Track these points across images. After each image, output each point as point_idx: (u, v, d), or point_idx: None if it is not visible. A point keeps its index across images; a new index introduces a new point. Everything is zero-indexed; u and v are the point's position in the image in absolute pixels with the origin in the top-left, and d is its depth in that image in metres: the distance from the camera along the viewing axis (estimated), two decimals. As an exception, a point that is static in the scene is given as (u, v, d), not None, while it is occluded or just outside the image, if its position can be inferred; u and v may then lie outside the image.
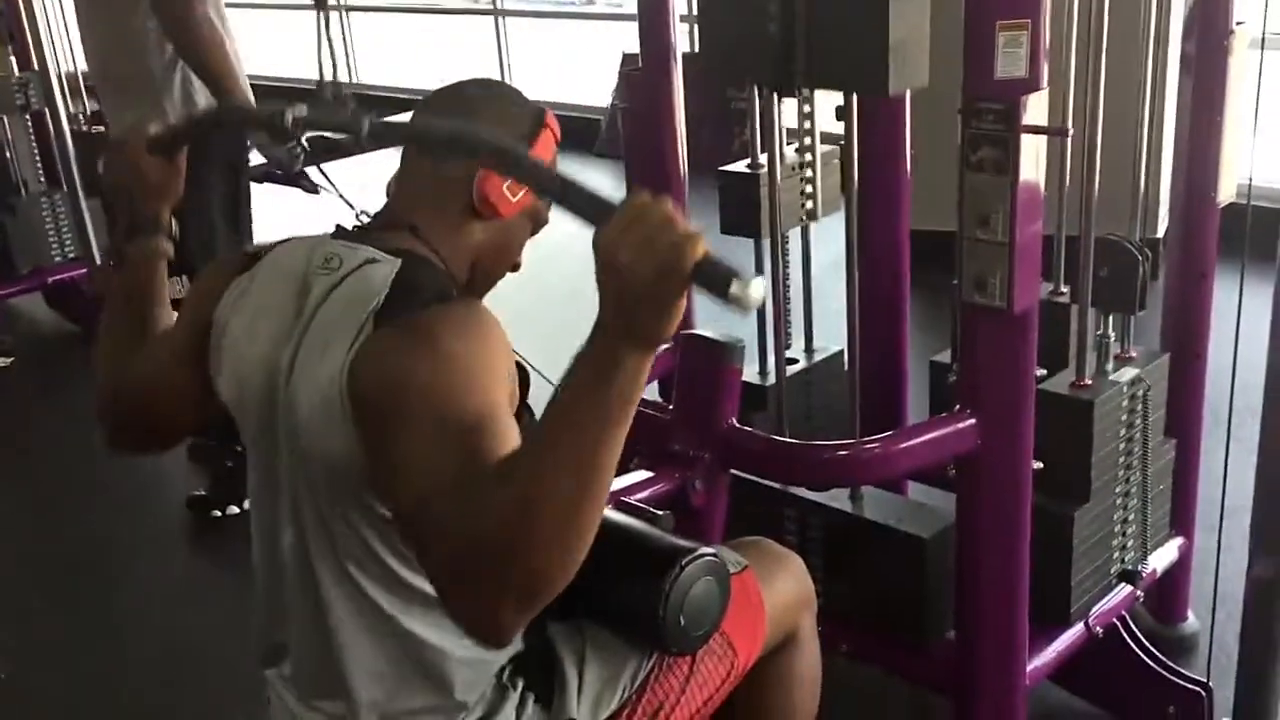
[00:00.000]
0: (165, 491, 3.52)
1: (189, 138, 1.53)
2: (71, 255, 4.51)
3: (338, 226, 1.38)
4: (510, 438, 1.14)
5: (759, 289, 1.00)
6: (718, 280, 1.00)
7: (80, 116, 4.59)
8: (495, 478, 1.07)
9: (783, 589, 1.62)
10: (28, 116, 4.45)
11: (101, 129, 4.36)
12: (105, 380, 1.51)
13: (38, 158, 4.50)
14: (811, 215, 2.33)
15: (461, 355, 1.17)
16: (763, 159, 2.20)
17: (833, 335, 2.49)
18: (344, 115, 1.29)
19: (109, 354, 1.51)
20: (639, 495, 1.73)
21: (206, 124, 1.51)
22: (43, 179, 4.53)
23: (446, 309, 1.22)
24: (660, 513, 1.63)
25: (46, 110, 4.29)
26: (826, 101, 2.04)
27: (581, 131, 6.23)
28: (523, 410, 1.27)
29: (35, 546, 3.24)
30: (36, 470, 3.64)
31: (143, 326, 1.50)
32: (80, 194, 4.32)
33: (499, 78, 1.96)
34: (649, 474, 1.79)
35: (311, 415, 1.24)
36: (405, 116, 1.40)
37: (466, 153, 1.29)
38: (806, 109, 2.18)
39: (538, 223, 1.43)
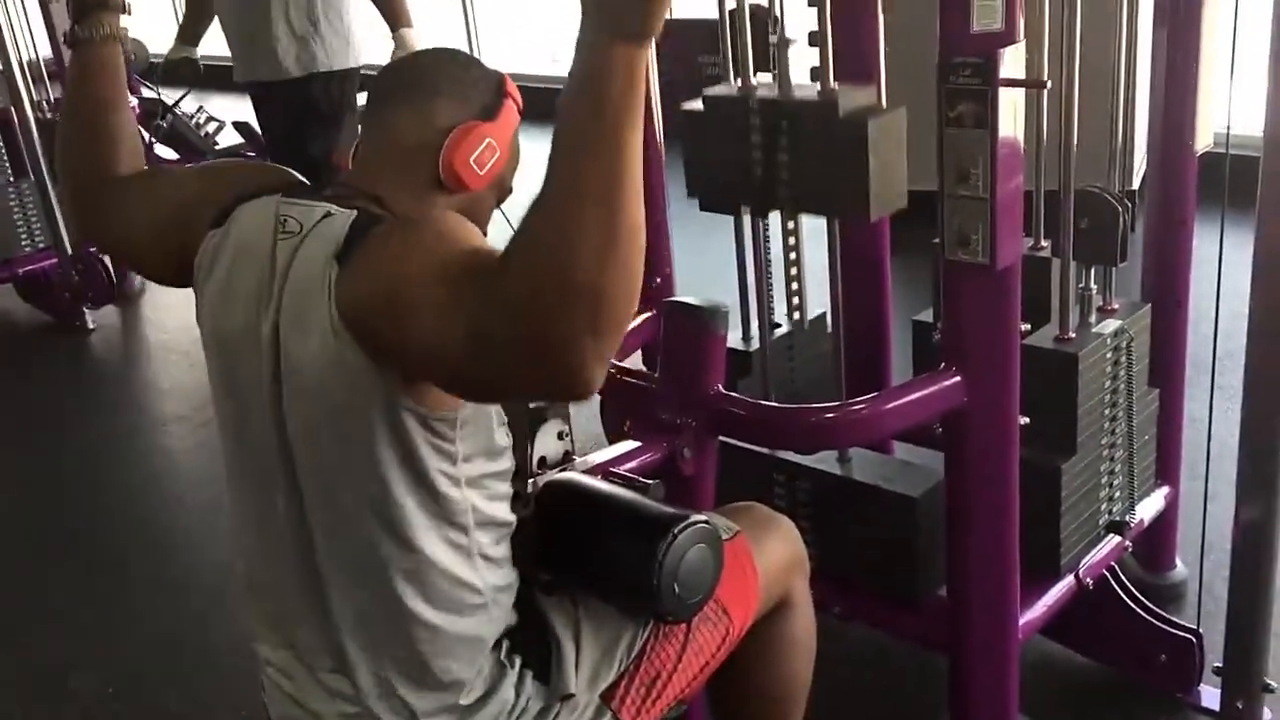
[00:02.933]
0: (155, 484, 3.50)
1: None
2: (41, 245, 4.46)
3: (300, 183, 1.37)
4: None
5: None
6: None
7: (44, 104, 4.53)
8: (517, 238, 1.04)
9: (775, 553, 1.62)
10: (-9, 110, 4.39)
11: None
12: (76, 179, 1.51)
13: (3, 148, 4.44)
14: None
15: (432, 236, 1.17)
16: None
17: (815, 299, 2.49)
18: None
19: (75, 147, 1.50)
20: (628, 465, 1.73)
21: None
22: (9, 169, 4.46)
23: (403, 217, 1.23)
24: (650, 482, 1.62)
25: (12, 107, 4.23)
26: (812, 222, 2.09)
27: (553, 103, 6.17)
28: None
29: (25, 532, 3.21)
30: (13, 462, 3.61)
31: (103, 120, 1.48)
32: (48, 183, 4.27)
33: (466, 49, 1.93)
34: (637, 444, 1.78)
35: (319, 371, 1.22)
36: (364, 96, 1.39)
37: None
38: (791, 225, 2.24)
39: (503, 193, 1.42)
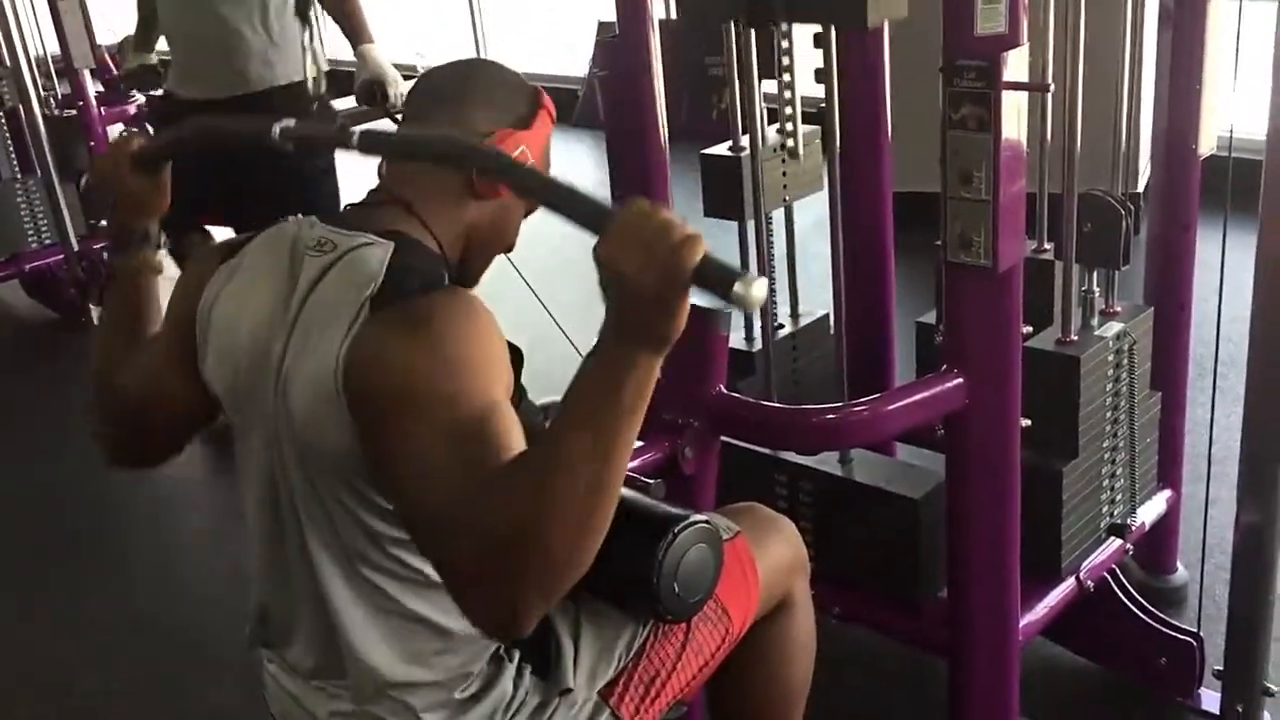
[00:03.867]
0: (160, 484, 3.51)
1: (173, 152, 1.50)
2: (48, 241, 4.47)
3: (328, 211, 1.37)
4: (514, 434, 1.14)
5: (762, 289, 1.02)
6: (721, 281, 1.02)
7: (51, 100, 4.54)
8: (506, 477, 1.08)
9: (775, 553, 1.62)
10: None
11: (74, 113, 4.33)
12: (102, 398, 1.48)
13: (10, 144, 4.45)
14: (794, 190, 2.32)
15: (461, 351, 1.16)
16: (744, 141, 2.19)
17: (818, 300, 2.50)
18: (332, 129, 1.28)
19: (103, 371, 1.48)
20: (630, 465, 1.73)
21: (191, 140, 1.49)
22: (16, 165, 4.48)
23: (441, 299, 1.21)
24: (651, 481, 1.62)
25: (20, 104, 4.24)
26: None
27: (559, 102, 6.18)
28: (517, 392, 1.27)
29: (27, 531, 3.22)
30: (22, 456, 3.61)
31: (135, 341, 1.48)
32: (55, 179, 4.28)
33: (473, 49, 1.93)
34: (639, 443, 1.78)
35: (307, 404, 1.23)
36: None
37: (455, 164, 1.29)
38: (785, 45, 2.14)
39: (532, 204, 1.42)
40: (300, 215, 1.36)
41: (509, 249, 1.43)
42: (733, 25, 1.99)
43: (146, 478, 3.46)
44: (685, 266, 1.01)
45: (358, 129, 1.23)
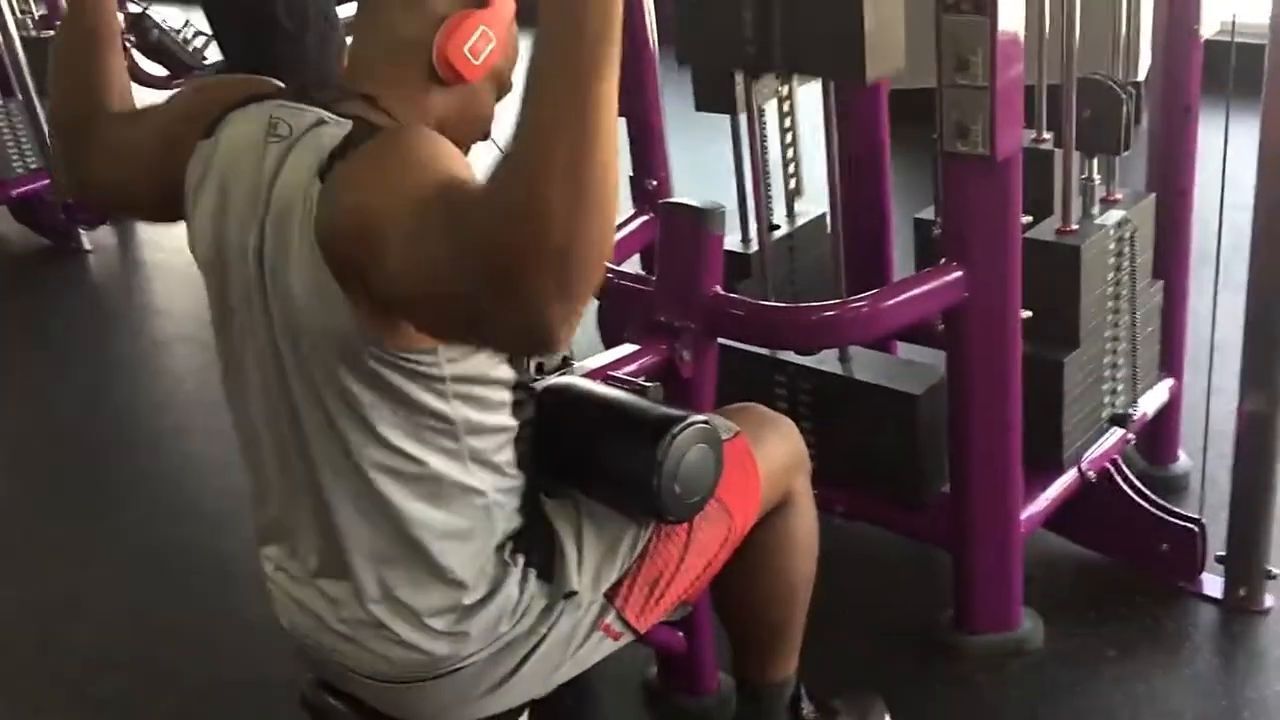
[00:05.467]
0: (158, 407, 3.51)
1: None
2: (34, 166, 4.41)
3: (299, 85, 1.34)
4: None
5: None
6: None
7: (29, 21, 4.45)
8: (490, 181, 1.01)
9: (775, 452, 1.61)
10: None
11: (51, 33, 4.24)
12: (66, 129, 1.48)
13: (-13, 68, 4.37)
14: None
15: (408, 163, 1.13)
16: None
17: (814, 200, 2.46)
18: None
19: (66, 97, 1.48)
20: (627, 369, 1.71)
21: None
22: (-5, 89, 4.40)
23: (384, 134, 1.19)
24: (650, 384, 1.61)
25: (-8, 21, 4.16)
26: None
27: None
28: None
29: (30, 459, 3.23)
30: (13, 387, 3.61)
31: (94, 57, 1.47)
32: (36, 102, 4.21)
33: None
34: (636, 347, 1.77)
35: (297, 290, 1.21)
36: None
37: None
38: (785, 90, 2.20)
39: (502, 88, 1.38)
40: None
41: (485, 136, 1.39)
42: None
43: (147, 405, 3.48)
44: None
45: None
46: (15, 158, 4.39)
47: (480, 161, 1.29)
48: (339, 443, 1.28)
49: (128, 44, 4.61)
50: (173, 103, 1.46)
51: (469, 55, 1.27)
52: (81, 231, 4.44)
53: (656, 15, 2.47)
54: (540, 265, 0.97)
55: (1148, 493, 2.17)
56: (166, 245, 4.34)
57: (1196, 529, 2.10)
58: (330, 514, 1.31)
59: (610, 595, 1.45)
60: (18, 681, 2.37)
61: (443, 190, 1.09)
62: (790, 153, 2.42)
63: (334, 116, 1.24)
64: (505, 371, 1.35)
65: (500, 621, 1.37)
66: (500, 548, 1.37)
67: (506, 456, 1.37)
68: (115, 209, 1.51)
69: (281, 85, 1.39)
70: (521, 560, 1.39)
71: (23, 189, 4.44)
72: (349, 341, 1.21)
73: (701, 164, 2.90)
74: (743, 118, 2.20)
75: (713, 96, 2.19)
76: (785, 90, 2.29)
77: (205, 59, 4.75)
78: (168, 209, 1.41)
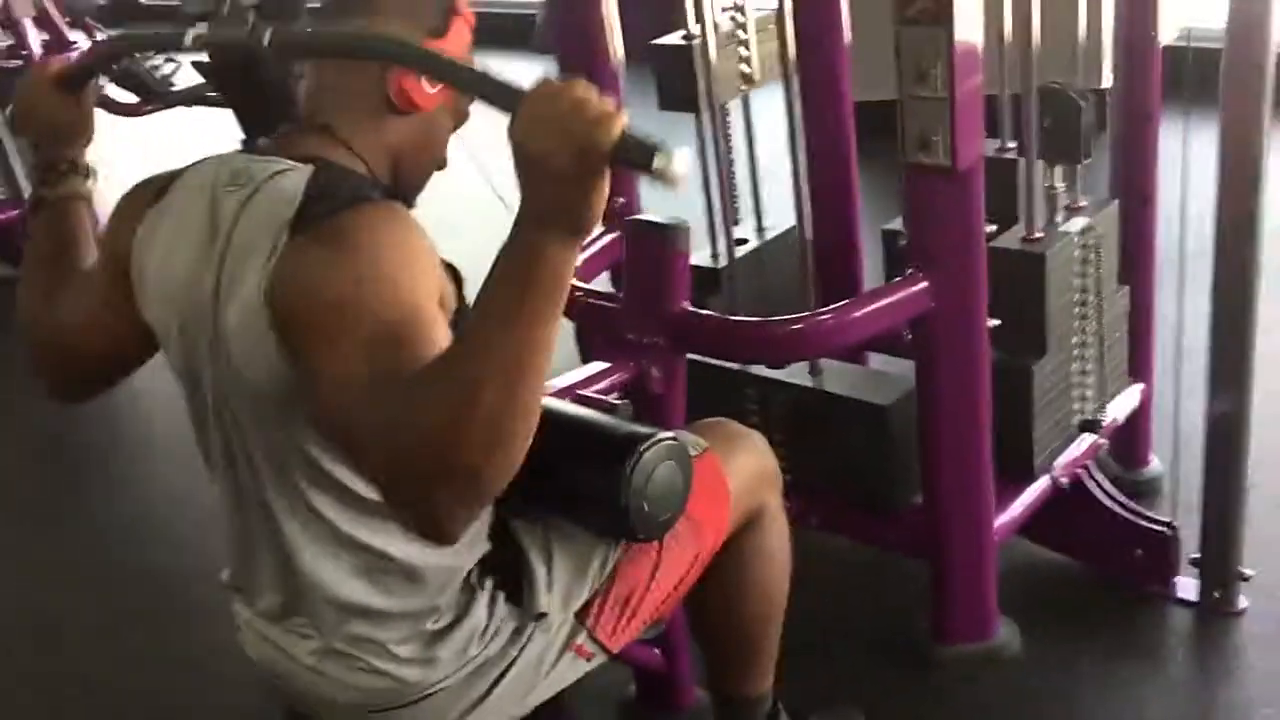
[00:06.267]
0: (128, 418, 3.49)
1: (93, 72, 1.45)
2: (2, 196, 4.38)
3: (243, 141, 1.33)
4: (437, 339, 1.10)
5: (684, 161, 0.97)
6: (640, 156, 0.96)
7: (-5, 52, 4.43)
8: (422, 383, 1.04)
9: (745, 467, 1.61)
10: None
11: (19, 63, 4.22)
12: (35, 332, 1.45)
13: (-46, 98, 4.34)
14: (749, 80, 2.28)
15: (379, 258, 1.13)
16: (696, 29, 2.15)
17: (784, 216, 2.47)
18: (243, 31, 1.23)
19: (36, 303, 1.44)
20: (596, 387, 1.71)
21: (106, 55, 1.44)
22: (-38, 120, 4.37)
23: (361, 211, 1.17)
24: (619, 403, 1.61)
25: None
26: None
27: (516, 28, 6.08)
28: (461, 311, 1.24)
29: (2, 483, 3.21)
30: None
31: (67, 273, 1.44)
32: (4, 132, 4.19)
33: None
34: (605, 365, 1.77)
35: (239, 338, 1.20)
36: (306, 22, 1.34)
37: (373, 57, 1.26)
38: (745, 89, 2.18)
39: (459, 117, 1.38)
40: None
41: (440, 166, 1.38)
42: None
43: (121, 428, 3.46)
44: (602, 143, 0.96)
45: (269, 30, 1.20)
46: (-17, 188, 4.36)
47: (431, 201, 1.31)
48: (286, 479, 1.27)
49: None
50: (115, 216, 1.39)
51: (424, 85, 1.27)
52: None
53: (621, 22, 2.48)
54: (444, 482, 1.01)
55: (1121, 498, 2.17)
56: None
57: (1170, 533, 2.11)
58: (290, 556, 1.30)
59: (581, 615, 1.45)
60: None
61: (396, 332, 1.08)
62: (755, 163, 2.42)
63: (291, 164, 1.23)
64: None
65: (470, 645, 1.36)
66: (468, 573, 1.36)
67: None
68: (95, 374, 1.48)
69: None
70: (490, 584, 1.38)
71: (-8, 219, 4.40)
72: (282, 390, 1.19)
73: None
74: (705, 117, 2.20)
75: (675, 95, 2.20)
76: (746, 89, 2.29)
77: (173, 85, 4.73)
78: (135, 326, 1.36)
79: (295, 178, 1.21)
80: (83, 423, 3.45)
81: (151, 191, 1.34)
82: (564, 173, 0.97)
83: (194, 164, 1.33)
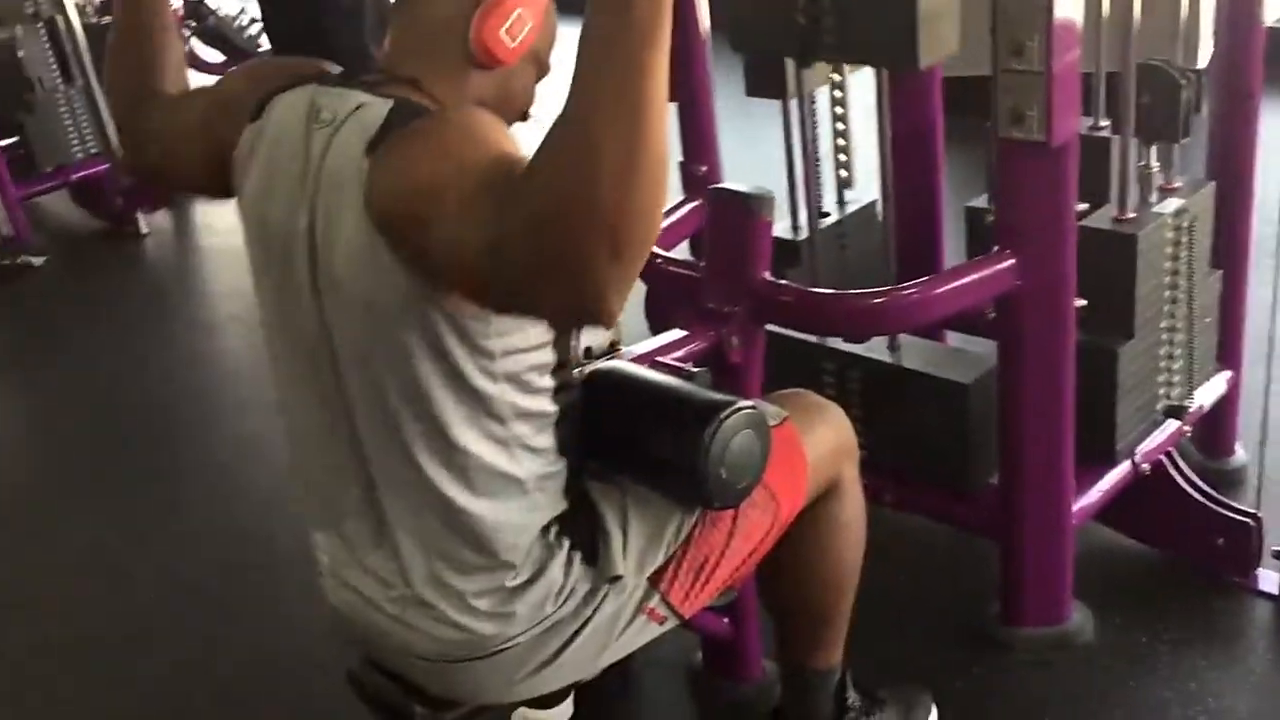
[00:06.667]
0: (213, 387, 3.56)
1: None
2: (93, 151, 4.48)
3: (342, 71, 1.35)
4: None
5: None
6: None
7: (89, 8, 4.51)
8: (539, 158, 1.02)
9: (823, 438, 1.60)
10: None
11: (110, 19, 4.30)
12: (123, 109, 1.52)
13: (50, 54, 4.43)
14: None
15: (461, 137, 1.15)
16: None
17: (865, 189, 2.44)
18: None
19: (121, 77, 1.51)
20: (675, 355, 1.71)
21: None
22: (57, 75, 4.46)
23: (439, 113, 1.22)
24: (697, 370, 1.60)
25: (57, 14, 4.22)
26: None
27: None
28: None
29: (83, 439, 3.28)
30: (71, 367, 3.67)
31: (150, 41, 1.49)
32: (95, 87, 4.27)
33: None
34: (684, 333, 1.77)
35: (349, 265, 1.22)
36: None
37: None
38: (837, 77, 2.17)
39: (542, 70, 1.38)
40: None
41: (525, 118, 1.39)
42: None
43: (201, 383, 3.53)
44: None
45: None
46: (75, 142, 4.45)
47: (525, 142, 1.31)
48: (390, 425, 1.29)
49: (185, 30, 4.69)
50: (220, 85, 1.50)
51: (506, 38, 1.27)
52: (139, 215, 4.50)
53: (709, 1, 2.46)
54: (592, 229, 0.98)
55: (1203, 486, 2.13)
56: (221, 229, 4.39)
57: (1252, 523, 2.06)
58: (378, 498, 1.32)
59: (655, 580, 1.45)
60: (67, 650, 2.41)
61: (498, 160, 1.11)
62: (841, 140, 2.40)
63: (375, 98, 1.25)
64: (549, 355, 1.35)
65: (545, 603, 1.37)
66: (545, 530, 1.38)
67: (546, 442, 1.37)
68: (173, 187, 1.58)
69: (326, 67, 1.40)
70: (567, 543, 1.39)
71: (82, 173, 4.51)
72: (401, 310, 1.21)
73: (751, 150, 2.88)
74: (793, 103, 2.18)
75: (763, 82, 2.18)
76: (838, 76, 2.27)
77: (260, 45, 4.81)
78: (220, 186, 1.43)
79: (377, 109, 1.23)
80: (168, 373, 3.54)
81: (252, 101, 1.37)
82: None
83: (287, 91, 1.35)
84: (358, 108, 1.25)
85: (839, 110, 2.36)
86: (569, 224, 0.99)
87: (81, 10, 4.34)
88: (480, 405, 1.28)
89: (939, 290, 1.81)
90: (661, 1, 0.98)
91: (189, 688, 2.26)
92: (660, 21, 0.98)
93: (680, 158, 2.59)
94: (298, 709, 2.16)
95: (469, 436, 1.29)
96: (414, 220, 1.14)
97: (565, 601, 1.39)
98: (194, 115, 1.46)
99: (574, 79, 1.00)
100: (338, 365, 1.30)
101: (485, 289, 1.14)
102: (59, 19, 4.24)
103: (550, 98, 1.38)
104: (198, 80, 1.59)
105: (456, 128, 1.18)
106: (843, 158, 2.42)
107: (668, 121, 1.01)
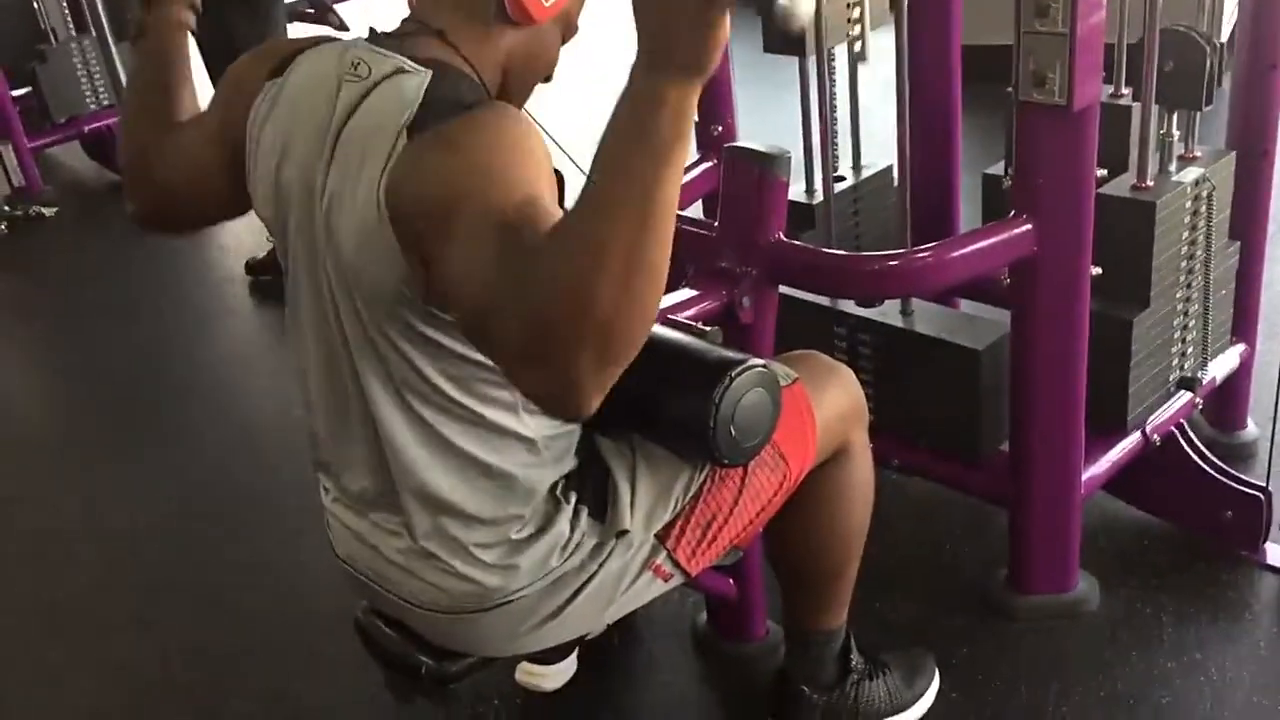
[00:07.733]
0: (223, 343, 3.56)
1: None
2: (106, 102, 4.47)
3: (370, 30, 1.33)
4: (556, 216, 1.09)
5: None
6: None
7: (103, -42, 4.49)
8: (549, 247, 1.02)
9: (833, 401, 1.60)
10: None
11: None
12: (131, 156, 1.49)
13: (64, 4, 4.42)
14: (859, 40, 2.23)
15: (496, 155, 1.13)
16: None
17: (882, 154, 2.42)
18: None
19: (134, 130, 1.49)
20: (687, 313, 1.70)
21: None
22: (71, 26, 4.45)
23: (478, 114, 1.18)
24: (708, 328, 1.59)
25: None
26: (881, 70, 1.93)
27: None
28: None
29: (95, 397, 3.29)
30: (83, 322, 3.67)
31: (166, 100, 1.48)
32: (110, 39, 4.26)
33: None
34: (696, 292, 1.76)
35: (353, 236, 1.21)
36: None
37: None
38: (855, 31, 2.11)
39: (569, 30, 1.37)
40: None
41: (548, 78, 1.38)
42: None
43: (209, 345, 3.53)
44: None
45: None
46: (88, 93, 4.45)
47: (541, 104, 1.30)
48: (393, 387, 1.28)
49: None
50: (231, 68, 1.44)
51: None
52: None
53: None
54: (582, 326, 0.98)
55: (1213, 458, 2.12)
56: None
57: (1262, 497, 2.05)
58: (383, 451, 1.32)
59: (662, 536, 1.45)
60: (80, 605, 2.43)
61: (520, 207, 1.08)
62: (857, 102, 2.37)
63: (412, 65, 1.23)
64: None
65: (550, 557, 1.37)
66: (553, 486, 1.37)
67: None
68: (188, 220, 1.55)
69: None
70: (574, 498, 1.39)
71: (95, 124, 4.50)
72: (399, 295, 1.20)
73: (767, 111, 2.86)
74: (811, 61, 2.16)
75: (781, 38, 2.15)
76: (856, 31, 2.24)
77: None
78: (235, 191, 1.40)
79: (416, 80, 1.21)
80: (180, 329, 3.54)
81: (271, 63, 1.35)
82: (681, 5, 0.93)
83: (315, 45, 1.34)
84: (396, 71, 1.23)
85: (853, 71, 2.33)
86: (561, 316, 0.99)
87: (96, -40, 4.32)
88: (481, 371, 1.28)
89: (954, 254, 1.80)
90: (686, 122, 0.97)
91: (197, 638, 2.27)
92: (680, 146, 0.98)
93: (696, 117, 2.57)
94: (306, 661, 2.17)
95: (472, 399, 1.29)
96: (423, 234, 1.14)
97: (571, 555, 1.39)
98: (213, 116, 1.44)
99: (589, 180, 1.00)
100: (343, 329, 1.30)
101: (469, 328, 1.15)
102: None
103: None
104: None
105: (492, 149, 1.14)
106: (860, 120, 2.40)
107: (673, 227, 1.01)
